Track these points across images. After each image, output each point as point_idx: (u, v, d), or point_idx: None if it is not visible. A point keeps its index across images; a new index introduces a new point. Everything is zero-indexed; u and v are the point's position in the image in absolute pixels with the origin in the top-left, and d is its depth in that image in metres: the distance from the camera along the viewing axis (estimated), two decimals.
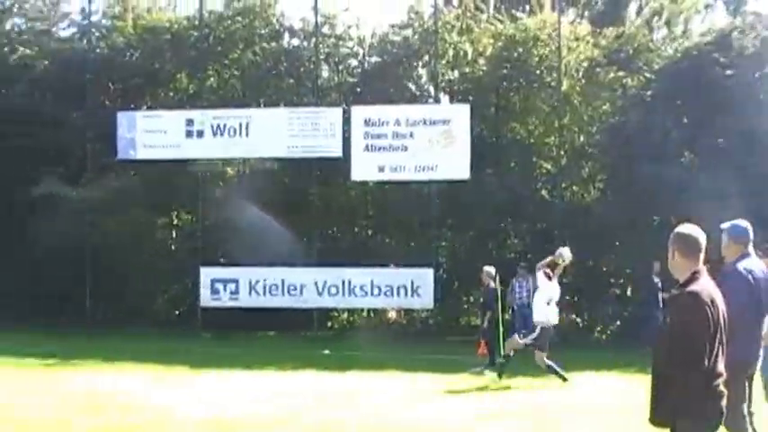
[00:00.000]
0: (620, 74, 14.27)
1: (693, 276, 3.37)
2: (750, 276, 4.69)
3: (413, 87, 15.73)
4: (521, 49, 14.32)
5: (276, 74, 15.69)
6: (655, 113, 13.37)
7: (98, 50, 16.01)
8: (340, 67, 15.85)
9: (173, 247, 16.50)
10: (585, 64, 14.45)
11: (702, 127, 13.11)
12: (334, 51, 15.54)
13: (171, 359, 10.84)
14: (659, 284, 11.98)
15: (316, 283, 14.35)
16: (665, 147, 13.01)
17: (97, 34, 16.22)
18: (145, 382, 9.10)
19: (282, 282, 14.50)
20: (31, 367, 10.31)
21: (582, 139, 14.94)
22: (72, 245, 14.34)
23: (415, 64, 15.59)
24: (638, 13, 17.74)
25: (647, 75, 14.14)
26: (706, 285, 3.37)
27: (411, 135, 14.01)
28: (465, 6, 15.24)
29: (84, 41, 16.07)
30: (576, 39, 14.46)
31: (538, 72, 14.40)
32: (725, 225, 4.89)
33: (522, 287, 12.80)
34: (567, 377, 8.97)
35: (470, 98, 14.69)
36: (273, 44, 15.70)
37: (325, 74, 15.75)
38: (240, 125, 14.53)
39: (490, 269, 10.77)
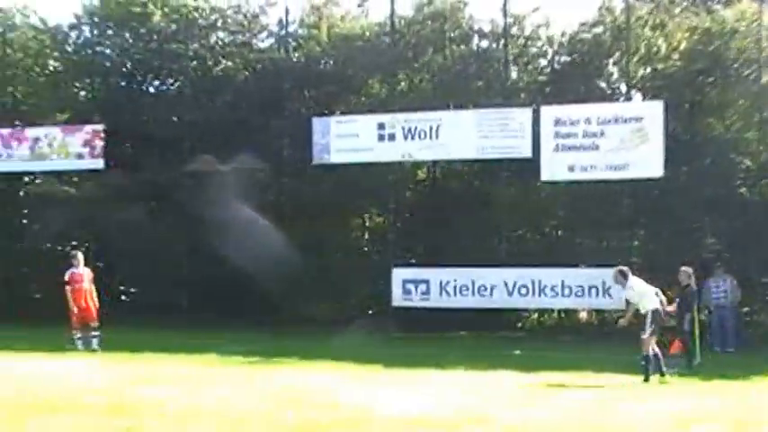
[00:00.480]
0: None
1: None
2: None
3: (603, 85, 18.22)
4: (717, 42, 16.38)
5: (465, 76, 18.78)
6: None
7: (294, 59, 20.10)
8: (529, 68, 18.74)
9: (365, 249, 20.22)
10: None
11: None
12: (523, 52, 18.48)
13: (364, 358, 12.69)
14: None
15: (506, 284, 16.93)
16: None
17: (294, 44, 20.30)
18: (342, 380, 10.69)
19: (472, 282, 17.24)
20: (236, 364, 12.50)
21: None
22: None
23: (605, 61, 18.07)
24: None
25: None
26: None
27: (602, 134, 16.22)
28: (658, 1, 17.57)
29: (282, 51, 20.20)
30: None
31: (736, 65, 16.38)
32: None
33: (719, 287, 14.98)
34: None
35: (663, 95, 16.78)
36: (463, 47, 18.94)
37: (514, 74, 18.66)
38: (430, 128, 17.51)
39: (688, 269, 12.50)
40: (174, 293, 19.31)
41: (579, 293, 16.65)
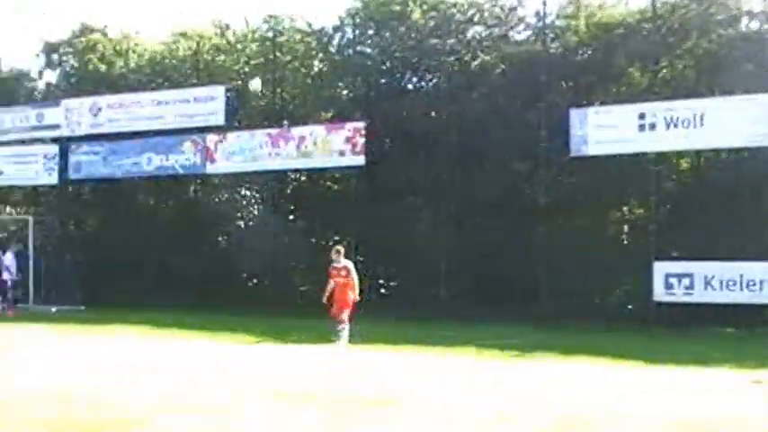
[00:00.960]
0: None
1: None
2: None
3: None
4: None
5: (733, 60, 20.69)
6: None
7: (552, 51, 23.34)
8: None
9: (624, 242, 23.01)
10: None
11: None
12: None
13: (624, 354, 14.07)
14: None
15: None
16: None
17: (551, 35, 23.58)
18: (602, 377, 11.92)
19: (740, 277, 19.24)
20: (494, 357, 14.38)
21: None
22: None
23: None
24: None
25: None
26: None
27: None
28: None
29: (539, 43, 23.53)
30: None
31: None
32: None
33: None
34: None
35: None
36: (730, 30, 21.21)
37: None
38: (694, 116, 19.71)
39: None
40: (433, 287, 23.10)
41: None
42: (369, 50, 25.66)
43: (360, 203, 24.59)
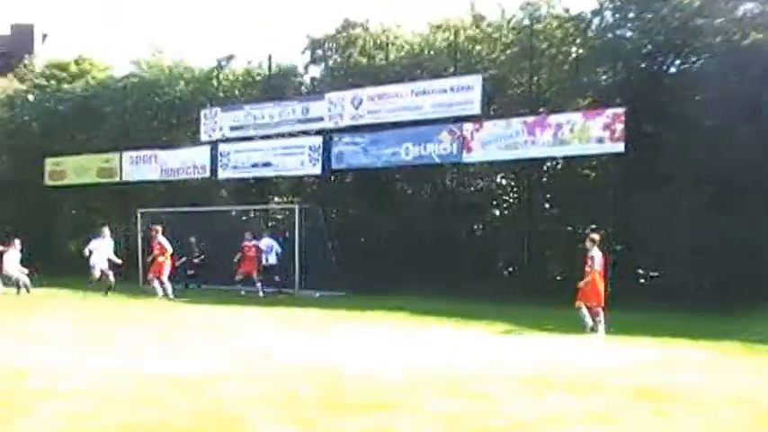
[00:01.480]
0: None
1: None
2: None
3: None
4: None
5: None
6: None
7: None
8: None
9: None
10: None
11: None
12: None
13: None
14: None
15: None
16: None
17: None
18: None
19: None
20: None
21: None
22: None
23: None
24: None
25: None
26: None
27: None
28: None
29: None
30: None
31: None
32: None
33: None
34: None
35: None
36: None
37: None
38: None
39: None
40: (694, 276, 22.42)
41: None
42: (629, 33, 25.18)
43: (617, 191, 24.21)
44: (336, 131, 28.88)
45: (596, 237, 17.47)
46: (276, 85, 32.31)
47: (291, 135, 30.55)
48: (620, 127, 23.32)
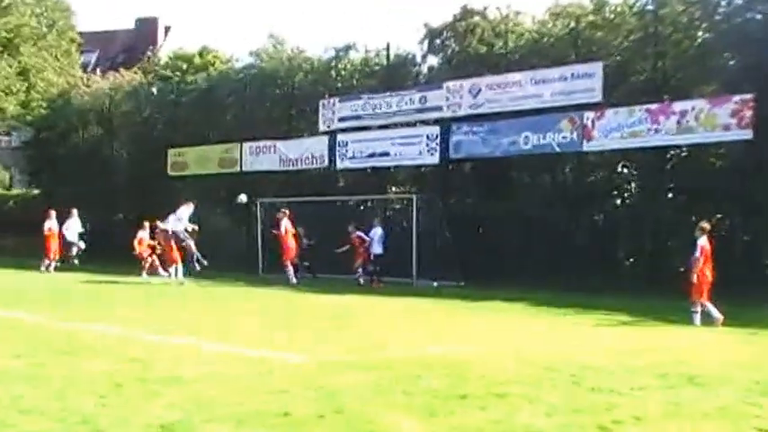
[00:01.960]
0: None
1: None
2: None
3: None
4: None
5: None
6: None
7: None
8: None
9: None
10: None
11: None
12: None
13: None
14: None
15: None
16: None
17: None
18: None
19: None
20: None
21: None
22: None
23: None
24: None
25: None
26: None
27: None
28: None
29: None
30: None
31: None
32: None
33: None
34: None
35: None
36: None
37: None
38: None
39: None
40: None
41: None
42: (759, 17, 24.65)
43: (745, 179, 23.80)
44: (454, 120, 29.13)
45: (706, 225, 17.52)
46: (394, 75, 32.76)
47: (409, 125, 30.95)
48: (748, 114, 22.98)
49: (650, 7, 26.98)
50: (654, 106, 24.97)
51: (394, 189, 33.83)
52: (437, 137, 29.50)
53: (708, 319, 16.51)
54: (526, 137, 27.13)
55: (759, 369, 11.04)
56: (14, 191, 53.29)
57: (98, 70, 55.16)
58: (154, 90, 42.29)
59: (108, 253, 33.05)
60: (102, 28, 65.47)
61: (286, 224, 27.48)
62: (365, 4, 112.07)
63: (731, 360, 11.74)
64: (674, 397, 8.88)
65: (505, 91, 27.81)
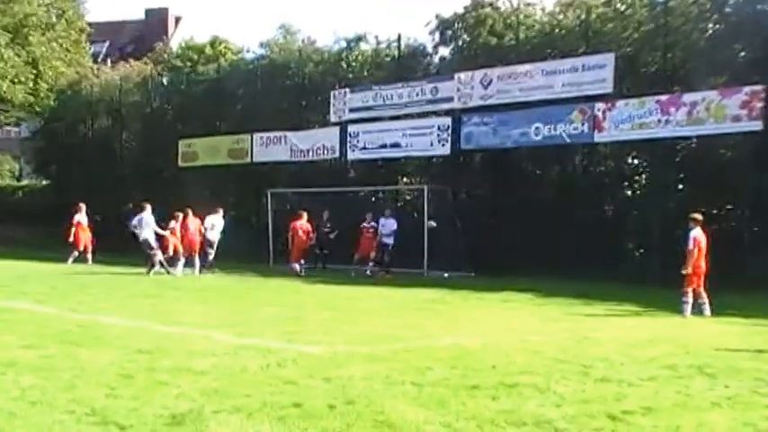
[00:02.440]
0: None
1: None
2: None
3: None
4: None
5: None
6: None
7: None
8: None
9: None
10: None
11: None
12: None
13: None
14: None
15: None
16: None
17: None
18: None
19: None
20: None
21: None
22: None
23: None
24: None
25: None
26: None
27: None
28: None
29: None
30: None
31: None
32: None
33: None
34: None
35: None
36: None
37: None
38: None
39: None
40: None
41: None
42: None
43: (754, 171, 23.98)
44: (465, 112, 29.35)
45: (698, 216, 17.84)
46: (405, 66, 32.97)
47: (420, 116, 31.14)
48: (758, 105, 23.16)
49: None
50: (664, 98, 25.13)
51: (405, 180, 34.05)
52: (448, 128, 29.72)
53: (697, 312, 16.86)
54: (537, 128, 27.33)
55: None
56: (24, 182, 53.66)
57: (108, 61, 55.44)
58: (164, 81, 42.48)
59: (117, 244, 33.27)
60: (112, 18, 65.65)
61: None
62: None
63: (740, 350, 11.87)
64: (683, 387, 9.00)
65: (516, 82, 27.99)
